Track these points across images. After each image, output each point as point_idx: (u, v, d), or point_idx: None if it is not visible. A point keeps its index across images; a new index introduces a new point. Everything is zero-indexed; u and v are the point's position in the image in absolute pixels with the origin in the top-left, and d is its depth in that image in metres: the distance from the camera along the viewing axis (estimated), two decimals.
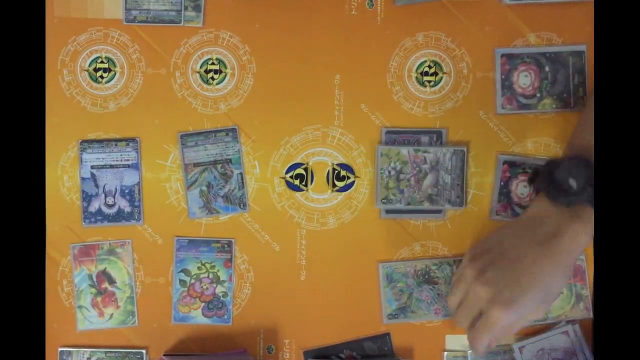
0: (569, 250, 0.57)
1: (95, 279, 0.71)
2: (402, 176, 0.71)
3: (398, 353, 0.72)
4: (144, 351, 0.71)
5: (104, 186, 0.71)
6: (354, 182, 0.72)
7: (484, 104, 0.71)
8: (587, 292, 0.71)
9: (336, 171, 0.72)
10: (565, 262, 0.58)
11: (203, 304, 0.72)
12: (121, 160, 0.71)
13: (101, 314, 0.71)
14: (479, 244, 0.64)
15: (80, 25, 0.70)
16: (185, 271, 0.71)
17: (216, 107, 0.71)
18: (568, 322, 0.71)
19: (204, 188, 0.71)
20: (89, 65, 0.71)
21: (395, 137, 0.71)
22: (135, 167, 0.71)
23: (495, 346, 0.62)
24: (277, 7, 0.71)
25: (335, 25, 0.71)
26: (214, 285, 0.72)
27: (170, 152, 0.71)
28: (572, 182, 0.57)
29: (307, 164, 0.72)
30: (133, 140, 0.71)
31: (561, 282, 0.59)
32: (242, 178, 0.71)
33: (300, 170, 0.72)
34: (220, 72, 0.71)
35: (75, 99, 0.71)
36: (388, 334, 0.72)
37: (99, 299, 0.71)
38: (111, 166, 0.71)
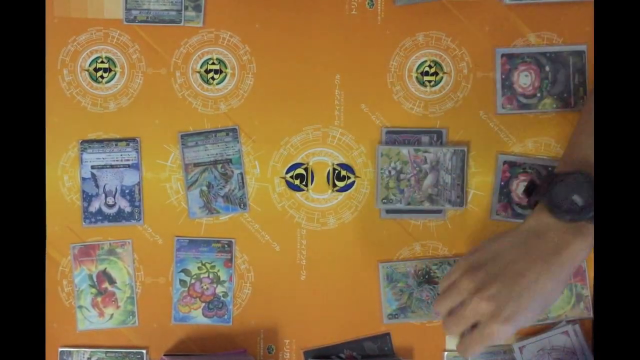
0: (570, 265, 0.58)
1: (95, 279, 0.71)
2: (402, 176, 0.71)
3: (398, 353, 0.72)
4: (144, 351, 0.71)
5: (104, 186, 0.71)
6: (354, 182, 0.72)
7: (484, 104, 0.71)
8: (587, 292, 0.71)
9: (336, 171, 0.72)
10: (566, 277, 0.58)
11: (203, 304, 0.72)
12: (121, 160, 0.71)
13: (101, 314, 0.71)
14: (474, 253, 0.62)
15: (80, 25, 0.70)
16: (185, 271, 0.71)
17: (216, 107, 0.71)
18: (568, 322, 0.71)
19: (204, 188, 0.71)
20: (89, 65, 0.71)
21: (396, 137, 0.71)
22: (136, 167, 0.71)
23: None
24: (277, 7, 0.71)
25: (335, 25, 0.71)
26: (214, 285, 0.72)
27: (171, 152, 0.71)
28: (577, 199, 0.57)
29: (308, 164, 0.72)
30: (133, 140, 0.71)
31: (560, 293, 0.59)
32: (242, 178, 0.71)
33: (300, 170, 0.72)
34: (221, 72, 0.71)
35: (76, 99, 0.71)
36: (388, 334, 0.72)
37: (99, 299, 0.71)
38: (111, 166, 0.71)
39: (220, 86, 0.71)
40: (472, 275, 0.59)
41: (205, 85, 0.71)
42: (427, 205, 0.71)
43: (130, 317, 0.71)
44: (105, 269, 0.71)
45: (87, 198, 0.71)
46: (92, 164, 0.71)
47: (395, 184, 0.71)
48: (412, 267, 0.72)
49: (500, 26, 0.71)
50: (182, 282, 0.71)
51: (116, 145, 0.71)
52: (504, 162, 0.71)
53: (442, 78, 0.71)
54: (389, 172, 0.71)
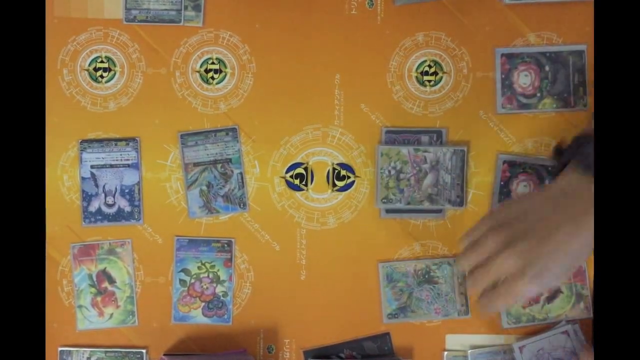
0: None
1: (95, 279, 0.71)
2: (402, 176, 0.71)
3: (398, 353, 0.72)
4: (144, 351, 0.71)
5: (104, 186, 0.71)
6: (354, 181, 0.72)
7: (484, 104, 0.71)
8: (587, 292, 0.71)
9: (336, 171, 0.72)
10: (592, 240, 0.57)
11: (203, 304, 0.72)
12: (121, 159, 0.71)
13: (101, 314, 0.71)
14: (499, 211, 0.60)
15: (80, 25, 0.70)
16: (185, 271, 0.71)
17: (216, 107, 0.71)
18: (568, 322, 0.71)
19: (204, 188, 0.71)
20: (89, 65, 0.71)
21: (395, 136, 0.71)
22: (135, 166, 0.71)
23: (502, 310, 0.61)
24: (277, 7, 0.71)
25: (335, 25, 0.71)
26: (214, 284, 0.72)
27: (170, 151, 0.71)
28: None
29: (307, 163, 0.72)
30: (133, 140, 0.71)
31: (586, 256, 0.57)
32: (242, 178, 0.71)
33: (300, 170, 0.72)
34: (220, 71, 0.71)
35: (75, 99, 0.71)
36: (388, 334, 0.72)
37: (99, 298, 0.71)
38: (111, 166, 0.71)
39: (220, 86, 0.71)
40: (499, 231, 0.58)
41: (205, 85, 0.71)
42: (427, 205, 0.71)
43: (130, 316, 0.71)
44: (105, 268, 0.71)
45: (87, 198, 0.71)
46: (92, 164, 0.71)
47: (395, 183, 0.71)
48: (412, 266, 0.72)
49: (500, 26, 0.71)
50: (182, 282, 0.71)
51: (116, 144, 0.71)
52: (504, 162, 0.71)
53: (442, 78, 0.71)
54: (389, 171, 0.71)
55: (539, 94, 0.71)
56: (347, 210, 0.72)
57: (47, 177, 0.70)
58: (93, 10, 0.70)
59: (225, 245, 0.71)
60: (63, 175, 0.71)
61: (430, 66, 0.71)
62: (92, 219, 0.71)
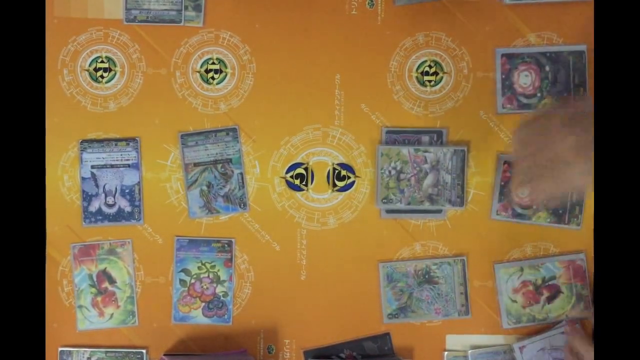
0: None
1: (95, 279, 0.71)
2: (402, 176, 0.71)
3: (398, 353, 0.72)
4: (144, 351, 0.71)
5: (104, 186, 0.71)
6: (354, 181, 0.72)
7: (484, 104, 0.71)
8: (587, 292, 0.71)
9: (336, 171, 0.72)
10: None
11: (203, 304, 0.72)
12: (121, 160, 0.71)
13: (101, 314, 0.71)
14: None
15: (80, 25, 0.70)
16: (185, 271, 0.71)
17: (216, 107, 0.71)
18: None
19: (204, 188, 0.71)
20: (89, 65, 0.71)
21: (396, 136, 0.71)
22: (136, 167, 0.71)
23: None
24: (277, 7, 0.71)
25: (335, 25, 0.71)
26: (214, 285, 0.72)
27: (171, 152, 0.71)
28: None
29: (308, 163, 0.72)
30: (133, 140, 0.71)
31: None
32: (242, 178, 0.71)
33: (300, 170, 0.72)
34: (221, 71, 0.71)
35: (76, 99, 0.71)
36: (388, 334, 0.72)
37: (99, 298, 0.71)
38: (111, 166, 0.71)
39: (220, 86, 0.71)
40: (562, 110, 0.60)
41: (205, 85, 0.71)
42: (427, 205, 0.71)
43: (130, 316, 0.71)
44: (105, 268, 0.71)
45: (87, 198, 0.71)
46: (92, 164, 0.71)
47: (395, 183, 0.71)
48: (412, 267, 0.72)
49: (500, 26, 0.71)
50: (182, 282, 0.71)
51: (116, 145, 0.71)
52: (504, 162, 0.71)
53: (442, 78, 0.71)
54: (389, 172, 0.71)
55: (539, 94, 0.71)
56: (347, 211, 0.72)
57: (48, 177, 0.70)
58: (93, 10, 0.70)
59: (226, 246, 0.71)
60: (63, 176, 0.71)
61: (430, 66, 0.71)
62: (93, 219, 0.71)
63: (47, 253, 0.71)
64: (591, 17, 0.70)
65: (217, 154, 0.71)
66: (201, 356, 0.71)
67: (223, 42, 0.71)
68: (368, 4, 0.71)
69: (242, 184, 0.71)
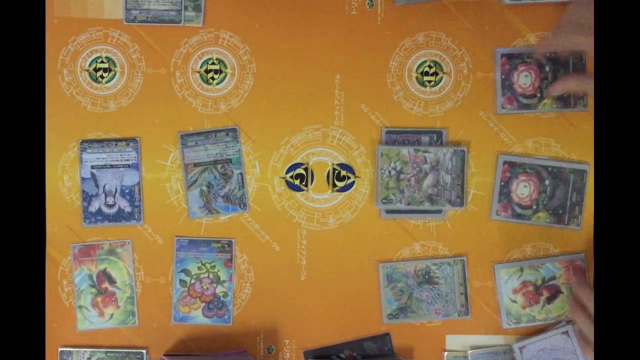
0: None
1: (95, 279, 0.71)
2: (402, 176, 0.71)
3: (398, 353, 0.72)
4: (144, 351, 0.71)
5: (104, 186, 0.71)
6: (354, 182, 0.72)
7: (484, 104, 0.71)
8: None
9: (336, 171, 0.72)
10: None
11: (203, 304, 0.72)
12: (121, 160, 0.71)
13: (101, 314, 0.71)
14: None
15: (80, 25, 0.70)
16: (185, 271, 0.71)
17: (216, 107, 0.71)
18: (568, 322, 0.71)
19: (204, 188, 0.71)
20: (89, 65, 0.71)
21: (396, 137, 0.71)
22: (136, 167, 0.71)
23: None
24: (277, 7, 0.71)
25: (335, 25, 0.71)
26: (214, 285, 0.72)
27: (171, 152, 0.71)
28: None
29: (307, 164, 0.72)
30: (133, 140, 0.71)
31: None
32: (242, 178, 0.71)
33: (300, 170, 0.72)
34: (221, 72, 0.71)
35: (76, 99, 0.71)
36: (388, 334, 0.72)
37: (99, 299, 0.71)
38: (111, 166, 0.71)
39: (220, 86, 0.71)
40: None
41: (205, 85, 0.71)
42: (427, 205, 0.71)
43: (130, 317, 0.71)
44: (105, 268, 0.71)
45: (87, 198, 0.71)
46: (92, 164, 0.71)
47: (395, 184, 0.71)
48: (412, 267, 0.72)
49: (500, 26, 0.71)
50: (182, 282, 0.71)
51: (116, 145, 0.71)
52: (504, 162, 0.71)
53: (442, 78, 0.71)
54: (389, 172, 0.71)
55: (539, 94, 0.71)
56: (347, 211, 0.72)
57: (47, 177, 0.70)
58: (93, 10, 0.70)
59: (226, 246, 0.71)
60: (63, 176, 0.71)
61: (430, 66, 0.71)
62: (93, 219, 0.71)
63: (47, 253, 0.71)
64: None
65: (217, 154, 0.71)
66: (201, 356, 0.71)
67: (223, 42, 0.71)
68: (368, 4, 0.71)
69: (242, 184, 0.71)
